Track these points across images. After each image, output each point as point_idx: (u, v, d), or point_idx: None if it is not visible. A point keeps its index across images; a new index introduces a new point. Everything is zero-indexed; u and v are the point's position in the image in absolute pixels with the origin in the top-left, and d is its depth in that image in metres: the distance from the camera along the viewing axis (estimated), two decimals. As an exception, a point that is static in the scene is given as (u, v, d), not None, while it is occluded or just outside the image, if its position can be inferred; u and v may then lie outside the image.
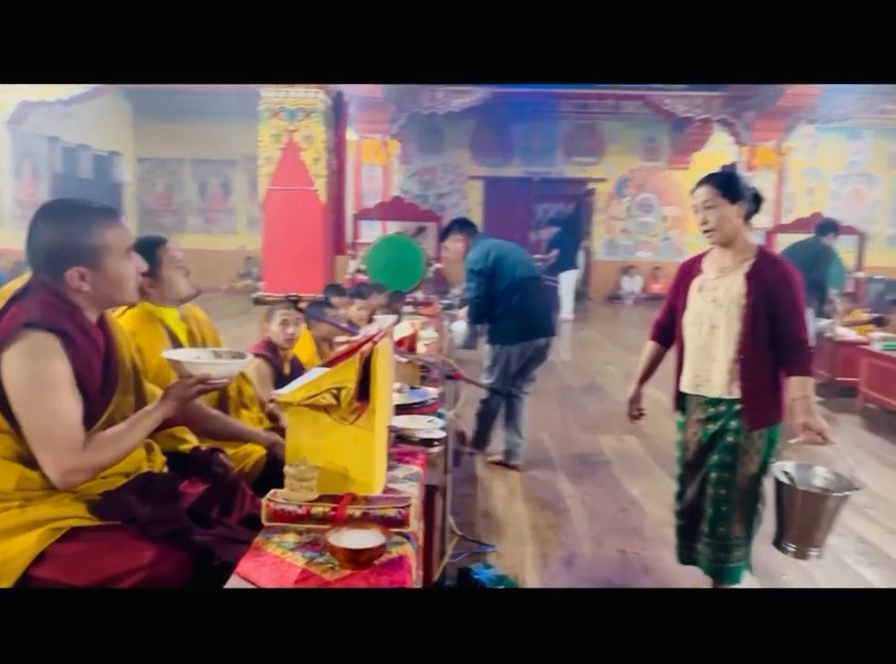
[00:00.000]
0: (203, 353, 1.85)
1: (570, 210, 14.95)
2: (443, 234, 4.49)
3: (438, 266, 7.29)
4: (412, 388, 2.93)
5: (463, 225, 4.38)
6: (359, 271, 7.35)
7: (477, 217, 14.29)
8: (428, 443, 2.41)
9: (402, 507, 1.56)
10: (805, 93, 9.66)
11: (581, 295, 13.62)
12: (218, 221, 14.83)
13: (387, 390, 1.80)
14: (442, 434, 2.46)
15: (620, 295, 14.24)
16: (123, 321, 2.45)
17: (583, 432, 5.05)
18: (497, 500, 3.70)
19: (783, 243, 7.49)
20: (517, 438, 4.24)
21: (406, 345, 3.35)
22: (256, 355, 3.40)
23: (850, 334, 6.40)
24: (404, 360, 3.05)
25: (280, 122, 6.33)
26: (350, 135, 10.36)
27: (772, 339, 2.30)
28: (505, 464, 4.22)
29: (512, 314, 4.03)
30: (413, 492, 1.79)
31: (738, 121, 10.38)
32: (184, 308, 2.58)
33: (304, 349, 3.83)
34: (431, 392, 2.90)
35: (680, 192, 14.20)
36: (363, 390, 1.63)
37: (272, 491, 1.61)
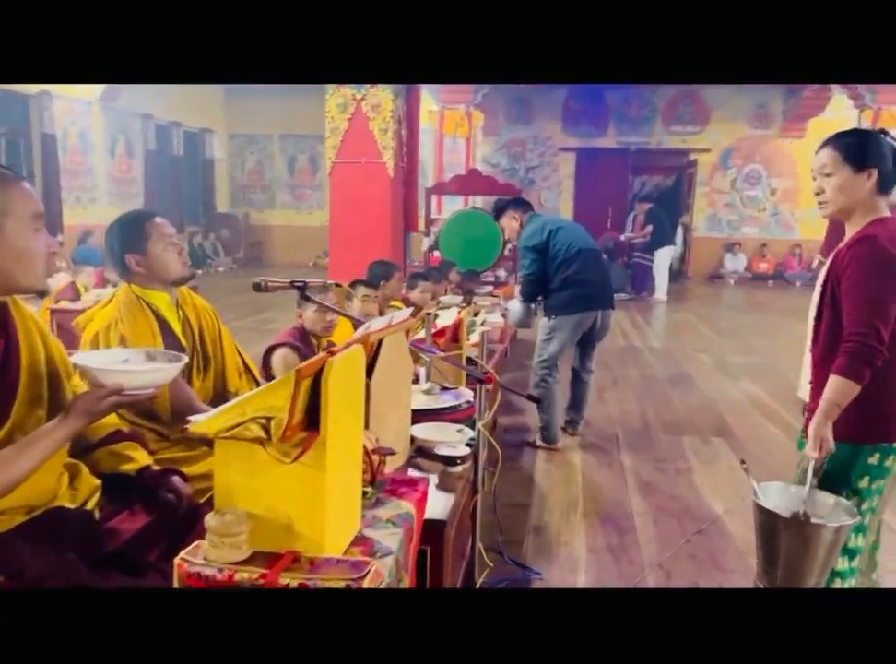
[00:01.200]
0: (133, 355, 1.49)
1: (669, 183, 14.05)
2: (498, 213, 4.44)
3: (515, 243, 6.83)
4: (443, 389, 2.52)
5: (518, 204, 4.38)
6: (431, 248, 6.98)
7: (568, 190, 13.65)
8: (449, 461, 2.02)
9: (355, 578, 1.17)
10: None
11: (678, 274, 12.80)
12: (306, 197, 14.84)
13: (358, 414, 1.40)
14: (466, 451, 2.05)
15: (723, 274, 13.32)
16: (108, 308, 2.17)
17: (663, 432, 4.50)
18: (553, 512, 3.25)
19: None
20: (577, 416, 4.37)
21: (449, 336, 2.93)
22: (284, 344, 3.10)
23: None
24: (439, 355, 2.63)
25: (347, 91, 6.01)
26: (432, 105, 9.97)
27: (838, 333, 1.89)
28: (571, 431, 4.33)
29: (570, 285, 3.98)
30: (392, 544, 1.39)
31: (862, 81, 9.30)
32: (180, 292, 2.28)
33: (347, 336, 3.50)
34: (466, 394, 2.48)
35: (792, 162, 13.06)
36: (313, 417, 1.24)
37: (194, 543, 1.25)
